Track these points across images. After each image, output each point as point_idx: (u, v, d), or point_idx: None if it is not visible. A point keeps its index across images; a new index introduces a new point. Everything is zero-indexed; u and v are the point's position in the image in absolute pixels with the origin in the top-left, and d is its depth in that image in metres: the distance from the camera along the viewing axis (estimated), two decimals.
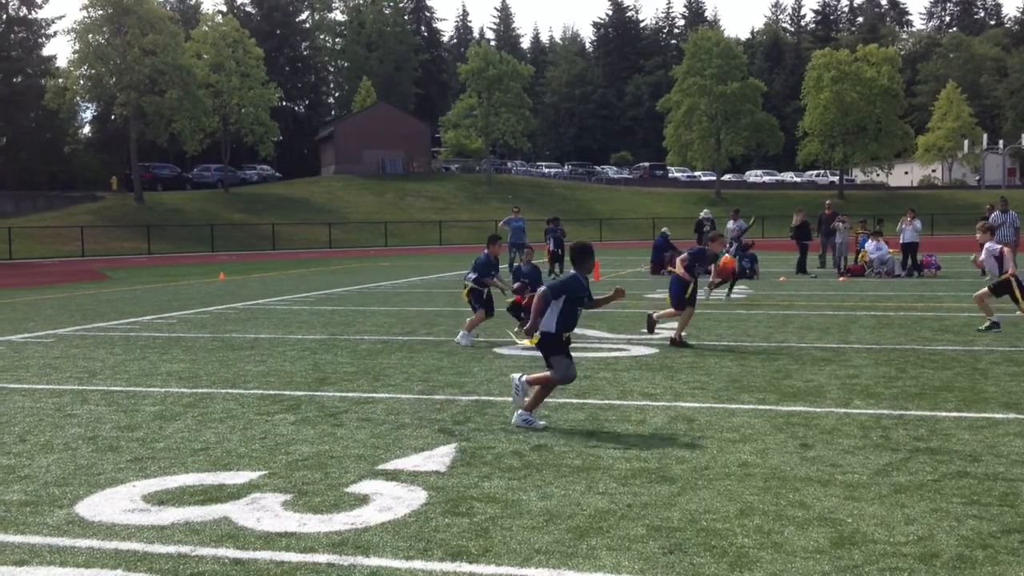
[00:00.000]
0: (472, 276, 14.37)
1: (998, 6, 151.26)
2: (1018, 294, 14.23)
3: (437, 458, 7.26)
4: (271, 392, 10.16)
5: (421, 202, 79.82)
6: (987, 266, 14.81)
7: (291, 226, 67.21)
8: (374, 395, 9.93)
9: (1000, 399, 9.20)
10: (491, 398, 9.64)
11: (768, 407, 9.03)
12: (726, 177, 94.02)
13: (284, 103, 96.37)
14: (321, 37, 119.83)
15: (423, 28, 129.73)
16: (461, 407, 9.22)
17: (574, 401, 9.40)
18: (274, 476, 6.81)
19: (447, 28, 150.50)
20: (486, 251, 14.55)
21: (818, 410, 8.85)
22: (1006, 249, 14.57)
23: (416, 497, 6.24)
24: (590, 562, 5.05)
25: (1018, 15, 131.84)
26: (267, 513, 5.93)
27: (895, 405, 8.97)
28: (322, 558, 5.16)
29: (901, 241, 27.58)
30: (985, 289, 14.67)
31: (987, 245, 14.84)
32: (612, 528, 5.57)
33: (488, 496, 6.24)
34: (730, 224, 29.89)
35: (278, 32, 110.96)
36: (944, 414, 8.60)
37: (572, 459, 7.18)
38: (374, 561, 5.12)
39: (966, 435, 7.78)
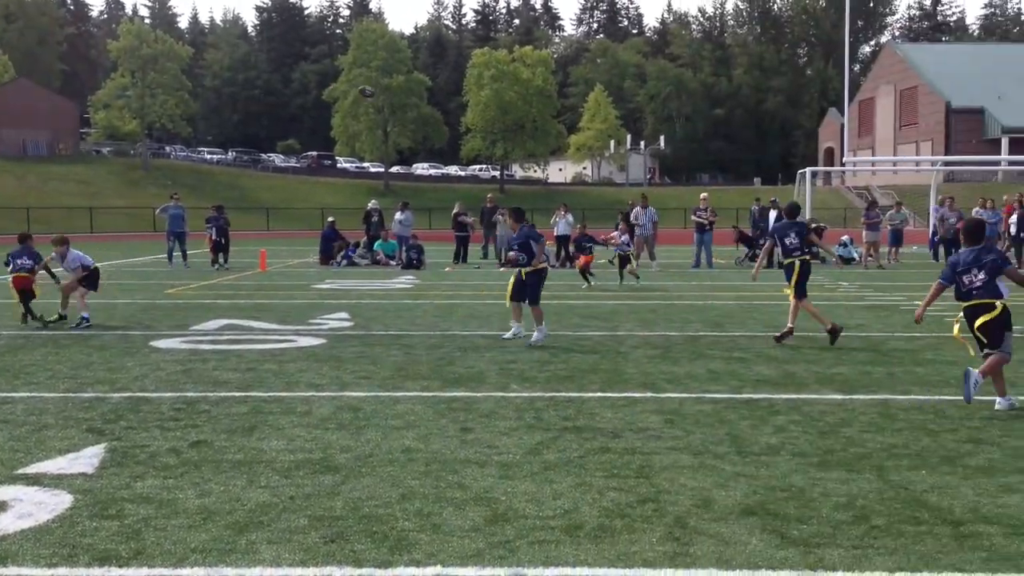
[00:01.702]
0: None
1: (640, 16, 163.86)
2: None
3: (84, 459, 6.82)
4: None
5: (69, 186, 74.19)
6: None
7: None
8: (13, 395, 9.15)
9: (638, 379, 10.00)
10: (146, 394, 9.18)
11: (432, 393, 9.27)
12: (394, 169, 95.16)
13: None
14: None
15: (68, 0, 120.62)
16: (112, 404, 8.71)
17: (236, 394, 9.16)
18: None
19: (96, 2, 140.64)
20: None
21: (478, 395, 9.20)
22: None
23: (60, 501, 5.84)
24: (249, 557, 4.96)
25: (657, 26, 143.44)
26: None
27: (547, 388, 9.51)
28: None
29: (555, 234, 29.21)
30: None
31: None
32: (273, 521, 5.50)
33: (141, 496, 5.95)
34: (398, 215, 30.30)
35: None
36: (590, 395, 9.24)
37: (233, 454, 7.00)
38: (13, 571, 4.74)
39: (609, 413, 8.39)
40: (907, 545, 5.17)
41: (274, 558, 4.95)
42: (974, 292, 8.62)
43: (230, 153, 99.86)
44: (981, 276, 8.58)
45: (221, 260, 27.43)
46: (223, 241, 27.65)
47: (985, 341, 8.64)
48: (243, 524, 5.45)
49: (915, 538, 5.28)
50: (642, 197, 28.78)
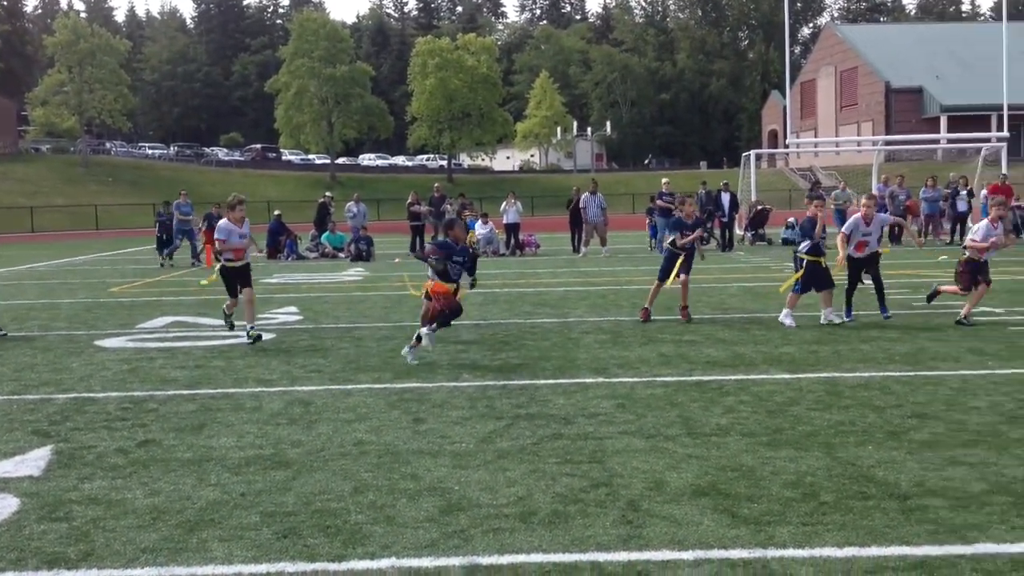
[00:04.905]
0: (806, 245, 12.63)
1: (582, 2, 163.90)
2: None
3: (31, 462, 6.70)
4: None
5: (7, 185, 72.66)
6: None
7: None
8: None
9: (590, 365, 10.04)
10: (92, 395, 9.03)
11: (383, 385, 9.23)
12: (340, 160, 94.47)
13: None
14: None
15: None
16: (58, 406, 8.57)
17: (184, 392, 9.06)
18: None
19: None
20: (808, 215, 12.90)
21: (430, 385, 9.18)
22: None
23: (6, 505, 5.74)
24: (200, 555, 4.91)
25: (600, 11, 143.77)
26: None
27: (500, 376, 9.51)
28: None
29: (504, 222, 29.23)
30: None
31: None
32: (224, 519, 5.45)
33: (89, 498, 5.86)
34: (352, 207, 30.13)
35: None
36: (542, 382, 9.26)
37: (182, 452, 6.92)
38: None
39: (561, 400, 8.42)
40: (855, 520, 5.25)
41: (226, 556, 4.90)
42: None
43: (172, 148, 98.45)
44: None
45: (167, 257, 27.07)
46: (165, 237, 27.29)
47: None
48: (194, 522, 5.40)
49: (863, 513, 5.37)
50: (592, 183, 28.82)
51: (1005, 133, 40.35)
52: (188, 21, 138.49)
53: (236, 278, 12.29)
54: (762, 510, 5.44)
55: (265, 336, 12.53)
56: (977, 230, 12.43)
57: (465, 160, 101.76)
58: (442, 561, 4.79)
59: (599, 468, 6.32)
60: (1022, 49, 74.83)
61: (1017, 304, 13.55)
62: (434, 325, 10.49)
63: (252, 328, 12.02)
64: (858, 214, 12.86)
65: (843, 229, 12.82)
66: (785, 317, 12.64)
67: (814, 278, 12.62)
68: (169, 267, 26.03)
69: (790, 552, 4.82)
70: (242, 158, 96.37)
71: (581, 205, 27.78)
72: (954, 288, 12.60)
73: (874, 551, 4.82)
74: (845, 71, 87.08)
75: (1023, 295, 13.53)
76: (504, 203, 29.78)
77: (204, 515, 5.52)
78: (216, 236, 12.38)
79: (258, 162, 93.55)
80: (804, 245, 12.72)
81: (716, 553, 4.83)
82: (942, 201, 29.57)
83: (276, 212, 31.13)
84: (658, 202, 28.21)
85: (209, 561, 4.84)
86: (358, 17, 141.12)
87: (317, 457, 6.72)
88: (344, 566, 4.76)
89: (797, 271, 12.77)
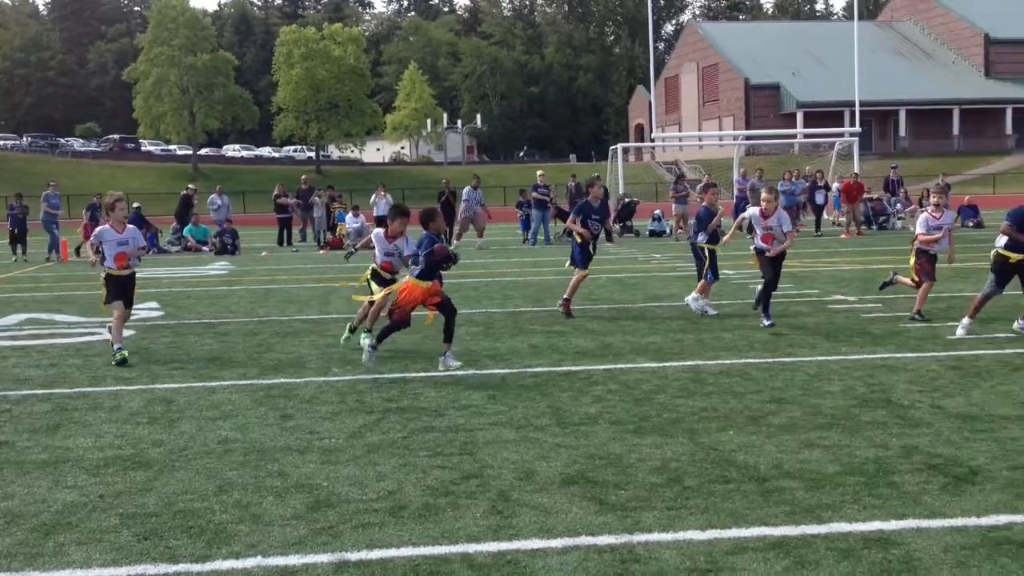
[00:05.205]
0: (703, 236, 12.97)
1: None
2: None
3: None
4: None
5: None
6: None
7: None
8: None
9: (461, 357, 9.99)
10: None
11: (249, 381, 9.05)
12: (204, 151, 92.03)
13: None
14: None
15: None
16: None
17: (39, 392, 8.69)
18: None
19: None
20: (704, 205, 13.18)
21: (298, 380, 9.04)
22: None
23: None
24: (57, 560, 4.73)
25: (468, 4, 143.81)
26: None
27: (370, 370, 9.42)
28: None
29: (375, 214, 28.97)
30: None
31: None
32: (82, 522, 5.25)
33: None
34: (216, 199, 29.39)
35: None
36: (413, 375, 9.23)
37: (37, 454, 6.64)
38: None
39: (432, 392, 8.41)
40: (717, 503, 5.41)
41: (84, 559, 4.73)
42: None
43: (24, 138, 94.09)
44: None
45: (19, 252, 25.89)
46: (16, 231, 26.10)
47: None
48: (50, 526, 5.19)
49: (724, 496, 5.53)
50: (475, 178, 28.88)
51: (857, 128, 42.18)
52: (41, 7, 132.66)
53: (119, 289, 10.28)
54: (629, 496, 5.54)
55: (124, 333, 12.08)
56: (919, 223, 12.26)
57: (334, 152, 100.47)
58: (310, 559, 4.72)
59: (470, 460, 6.34)
60: (873, 47, 78.26)
61: (869, 292, 14.17)
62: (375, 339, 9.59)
63: (119, 349, 10.11)
64: (755, 208, 12.30)
65: (745, 214, 12.60)
66: (692, 301, 12.88)
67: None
68: (23, 262, 24.92)
69: (655, 536, 4.93)
70: (99, 149, 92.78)
71: (464, 198, 27.85)
72: (907, 280, 12.37)
73: (735, 532, 4.97)
74: (707, 67, 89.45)
75: (874, 283, 14.15)
76: (374, 196, 29.54)
77: (61, 518, 5.31)
78: (91, 241, 10.71)
79: (116, 153, 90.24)
80: (701, 236, 13.05)
81: (584, 540, 4.90)
82: (801, 194, 30.68)
83: (136, 204, 30.02)
84: (533, 195, 28.40)
85: (67, 565, 4.66)
86: (220, 5, 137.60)
87: (179, 456, 6.54)
88: (208, 567, 4.65)
89: (701, 262, 13.02)
